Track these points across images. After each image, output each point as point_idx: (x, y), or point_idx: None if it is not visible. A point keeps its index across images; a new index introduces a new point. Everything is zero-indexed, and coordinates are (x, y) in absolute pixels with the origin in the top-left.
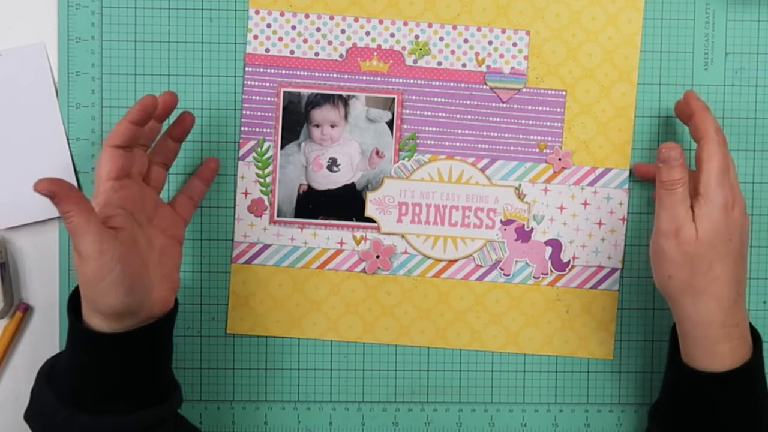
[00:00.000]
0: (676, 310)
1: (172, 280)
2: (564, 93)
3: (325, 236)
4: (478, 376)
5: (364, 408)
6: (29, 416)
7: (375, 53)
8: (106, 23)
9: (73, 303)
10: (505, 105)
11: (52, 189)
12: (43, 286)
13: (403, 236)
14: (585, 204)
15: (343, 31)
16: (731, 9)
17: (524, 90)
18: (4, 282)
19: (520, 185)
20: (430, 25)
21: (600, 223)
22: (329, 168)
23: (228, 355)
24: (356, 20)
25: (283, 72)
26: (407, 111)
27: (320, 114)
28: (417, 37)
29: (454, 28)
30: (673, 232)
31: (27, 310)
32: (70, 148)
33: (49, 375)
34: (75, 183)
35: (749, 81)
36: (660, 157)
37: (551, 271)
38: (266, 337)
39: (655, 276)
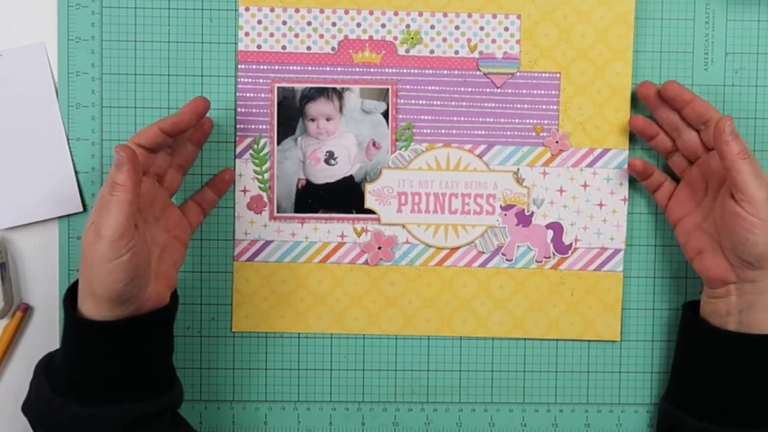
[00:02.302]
0: None
1: (168, 277)
2: (558, 75)
3: (326, 230)
4: (478, 376)
5: (364, 408)
6: (26, 407)
7: (367, 44)
8: (106, 23)
9: (70, 296)
10: (499, 90)
11: (131, 157)
12: (43, 286)
13: (403, 226)
14: (585, 185)
15: (334, 24)
16: (731, 9)
17: (518, 74)
18: (4, 282)
19: (518, 170)
20: (420, 14)
21: (601, 204)
22: (327, 161)
23: (228, 355)
24: (346, 12)
25: (276, 68)
26: (402, 101)
27: (315, 108)
28: (408, 26)
29: (445, 15)
30: None
31: (27, 310)
32: (70, 148)
33: (46, 367)
34: (75, 183)
35: (749, 81)
36: (726, 131)
37: (554, 254)
38: (266, 336)
39: (757, 247)
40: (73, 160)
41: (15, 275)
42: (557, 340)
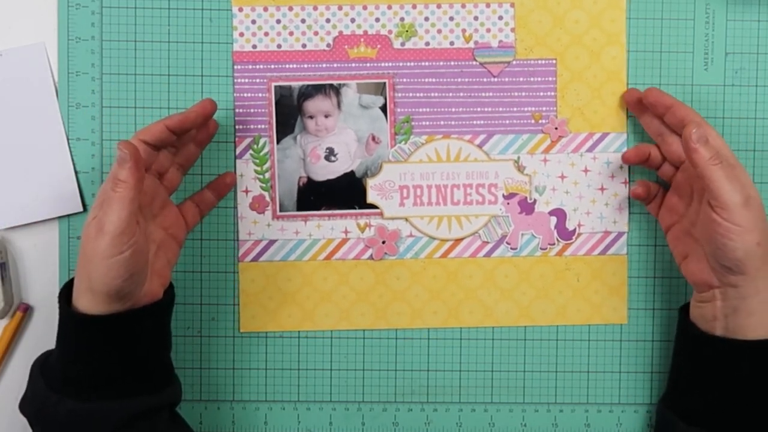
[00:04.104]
0: (756, 281)
1: (162, 275)
2: (554, 62)
3: (329, 227)
4: (478, 376)
5: (364, 408)
6: (23, 405)
7: (362, 39)
8: (106, 23)
9: (66, 292)
10: (496, 79)
11: (134, 153)
12: (43, 286)
13: (407, 219)
14: (585, 171)
15: (328, 21)
16: (731, 9)
17: (514, 62)
18: (4, 282)
19: (518, 158)
20: (414, 6)
21: (602, 189)
22: (327, 158)
23: (228, 355)
24: (340, 8)
25: (272, 67)
26: (399, 94)
27: (313, 105)
28: (402, 19)
29: (439, 6)
30: (745, 201)
31: (27, 310)
32: (70, 148)
33: (43, 364)
34: (75, 183)
35: (749, 81)
36: (694, 138)
37: (558, 240)
38: (266, 336)
39: (735, 252)
40: (73, 160)
41: (15, 275)
42: (557, 340)
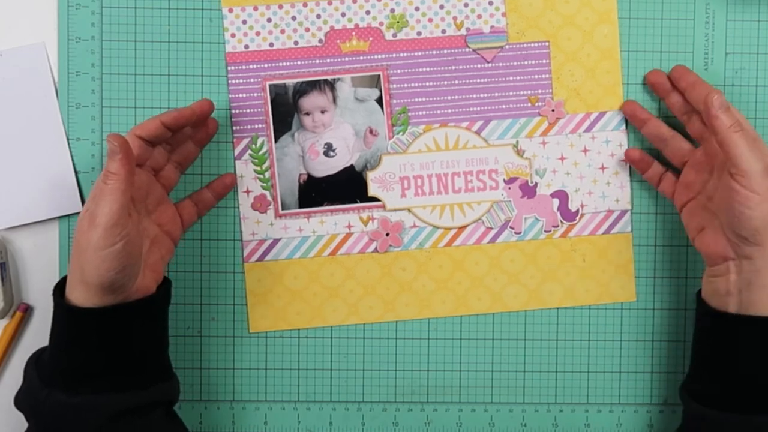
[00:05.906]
0: None
1: (156, 271)
2: (547, 44)
3: (333, 222)
4: (478, 376)
5: (364, 408)
6: (17, 400)
7: (353, 33)
8: (106, 23)
9: (61, 286)
10: (490, 65)
11: (123, 146)
12: (43, 286)
13: (409, 210)
14: (585, 151)
15: (318, 16)
16: (731, 9)
17: (507, 47)
18: (4, 282)
19: (517, 142)
20: None
21: (603, 168)
22: (326, 154)
23: (228, 355)
24: (330, 3)
25: (266, 66)
26: (394, 86)
27: (309, 101)
28: (392, 10)
29: None
30: (765, 170)
31: (27, 310)
32: (70, 148)
33: (37, 359)
34: (75, 183)
35: (749, 81)
36: (716, 105)
37: (561, 222)
38: (266, 336)
39: (752, 221)
40: (73, 160)
41: (15, 275)
42: (557, 340)
